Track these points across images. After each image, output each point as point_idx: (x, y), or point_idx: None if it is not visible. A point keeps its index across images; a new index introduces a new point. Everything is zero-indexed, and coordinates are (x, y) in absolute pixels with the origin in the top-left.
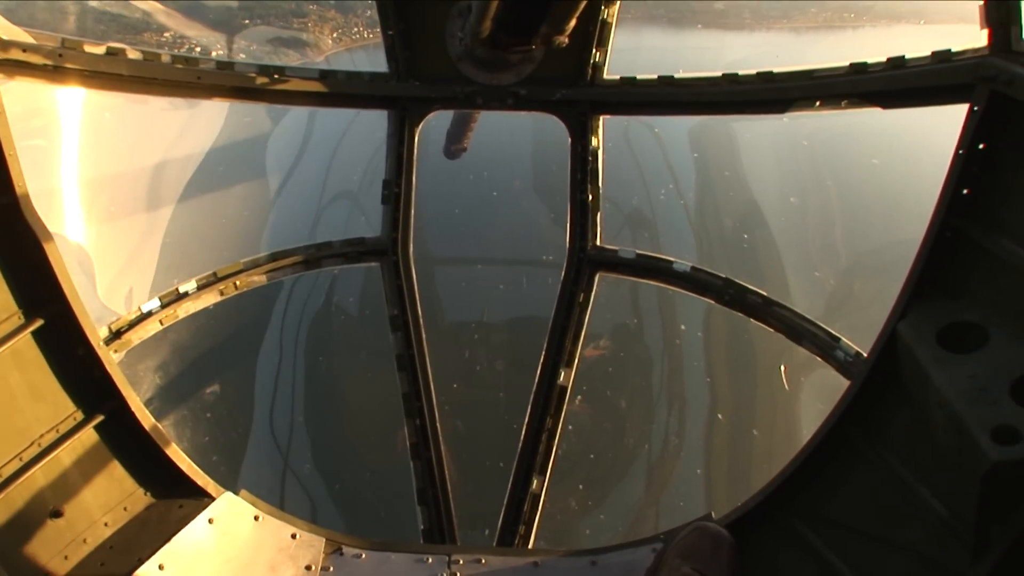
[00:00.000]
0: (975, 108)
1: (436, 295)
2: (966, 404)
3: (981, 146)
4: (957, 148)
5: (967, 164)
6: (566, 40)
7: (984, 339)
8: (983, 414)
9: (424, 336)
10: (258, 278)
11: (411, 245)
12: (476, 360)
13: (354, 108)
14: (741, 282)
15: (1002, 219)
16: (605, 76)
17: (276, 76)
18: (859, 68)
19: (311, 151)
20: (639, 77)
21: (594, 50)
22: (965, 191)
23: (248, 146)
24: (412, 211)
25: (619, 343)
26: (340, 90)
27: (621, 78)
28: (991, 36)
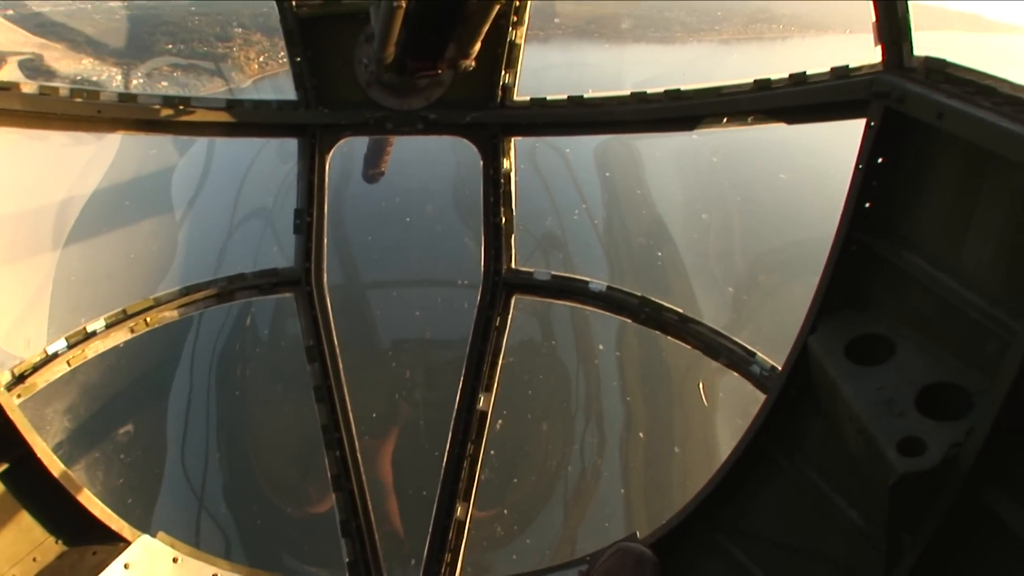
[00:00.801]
0: (871, 124)
1: (363, 318)
2: (874, 417)
3: (880, 160)
4: (857, 163)
5: (867, 178)
6: (473, 63)
7: (891, 350)
8: (890, 426)
9: (341, 366)
10: (169, 313)
11: (325, 274)
12: (396, 386)
13: (263, 137)
14: (656, 300)
15: (904, 232)
16: (515, 98)
17: (181, 108)
18: (763, 85)
19: (220, 181)
20: (549, 98)
21: (503, 72)
22: (867, 205)
23: (154, 179)
24: (325, 240)
25: (536, 364)
26: (248, 120)
27: (531, 99)
28: (884, 53)
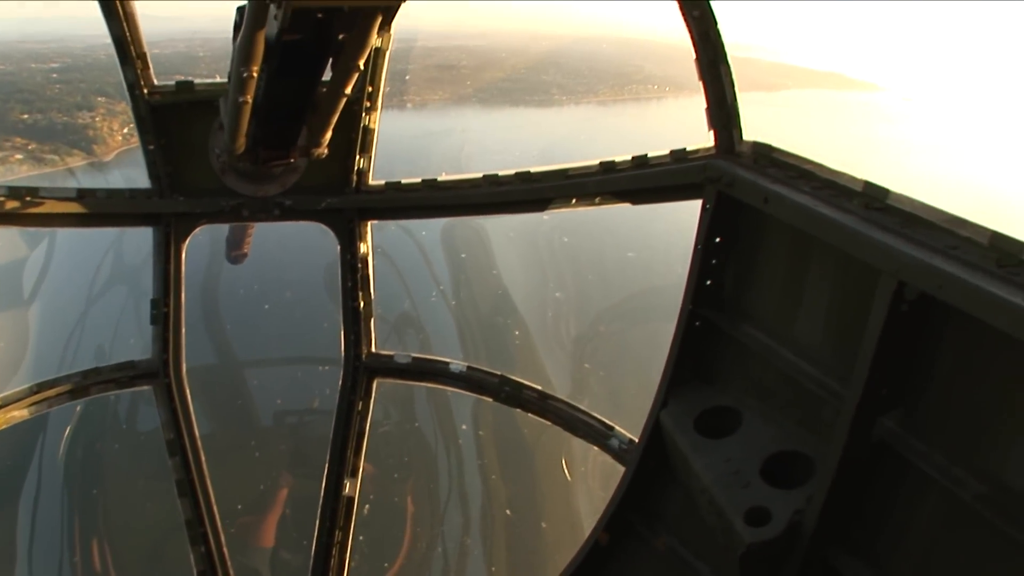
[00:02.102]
0: (707, 206)
1: (238, 397)
2: (722, 489)
3: (717, 240)
4: (696, 242)
5: (706, 257)
6: (325, 151)
7: (738, 421)
8: (737, 498)
9: (204, 458)
10: (20, 413)
11: (184, 365)
12: (272, 466)
13: (117, 227)
14: (515, 378)
15: (743, 307)
16: (370, 182)
17: (28, 199)
18: (608, 167)
19: (74, 270)
20: (404, 181)
21: (358, 156)
22: (708, 282)
23: (2, 272)
24: (183, 330)
25: (400, 447)
26: (100, 210)
27: (386, 183)
28: (716, 138)
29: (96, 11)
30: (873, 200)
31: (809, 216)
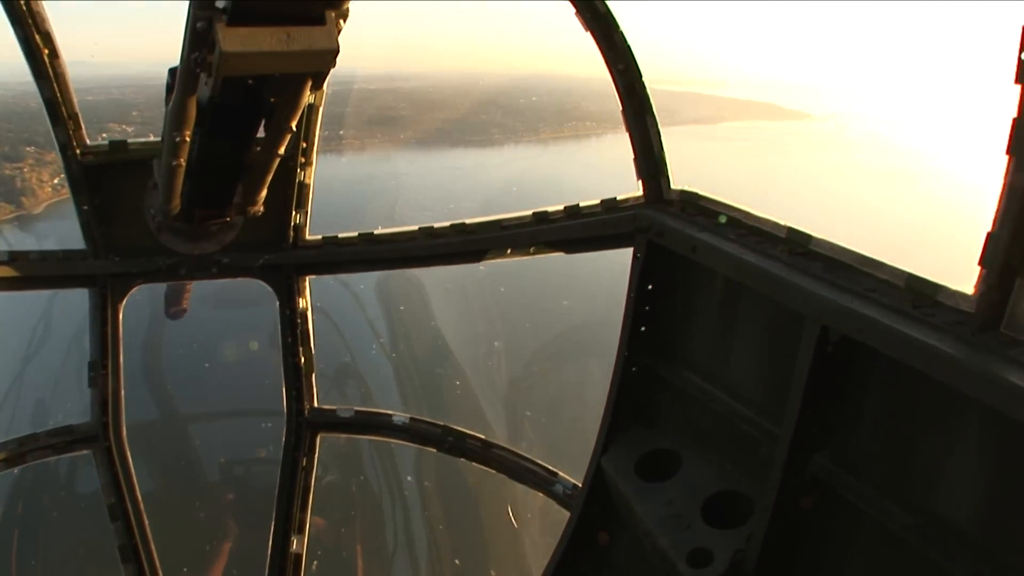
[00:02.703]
0: (638, 255)
1: (183, 453)
2: (665, 532)
3: (649, 287)
4: (629, 290)
5: (639, 304)
6: (261, 209)
7: (678, 464)
8: (679, 540)
9: (146, 521)
10: None
11: (123, 427)
12: (219, 521)
13: (50, 289)
14: (458, 428)
15: (679, 352)
16: (307, 237)
17: None
18: (541, 217)
19: (7, 331)
20: (341, 236)
21: (294, 212)
22: (643, 328)
23: None
24: (122, 392)
25: (347, 501)
26: (33, 272)
27: (323, 238)
28: (644, 187)
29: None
30: (796, 245)
31: (736, 264)
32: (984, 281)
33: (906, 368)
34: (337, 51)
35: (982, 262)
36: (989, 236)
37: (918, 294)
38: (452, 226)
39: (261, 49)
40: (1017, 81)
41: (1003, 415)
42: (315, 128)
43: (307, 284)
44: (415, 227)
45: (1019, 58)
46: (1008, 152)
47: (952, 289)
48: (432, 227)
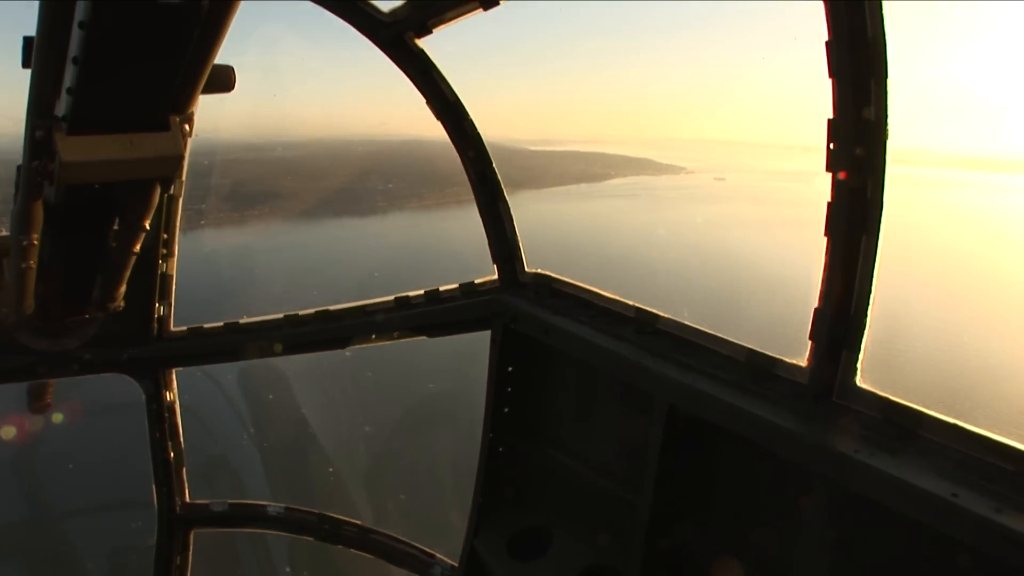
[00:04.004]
0: (495, 339)
1: (56, 552)
2: None
3: (510, 369)
4: (489, 373)
5: (500, 386)
6: (121, 303)
7: (549, 540)
8: None
9: None
10: None
11: None
12: None
13: None
14: (334, 515)
15: (542, 430)
16: (172, 328)
17: None
18: (403, 302)
19: None
20: (205, 326)
21: (157, 304)
22: (506, 410)
23: None
24: None
25: None
26: None
27: (188, 329)
28: (499, 272)
29: None
30: (645, 325)
31: (587, 347)
32: (814, 355)
33: (748, 442)
34: (182, 156)
35: (811, 336)
36: (816, 312)
37: (758, 368)
38: (317, 313)
39: (103, 158)
40: (828, 169)
41: (839, 484)
42: (175, 219)
43: (173, 377)
44: (280, 315)
45: (828, 147)
46: (826, 234)
47: (788, 362)
48: (297, 314)
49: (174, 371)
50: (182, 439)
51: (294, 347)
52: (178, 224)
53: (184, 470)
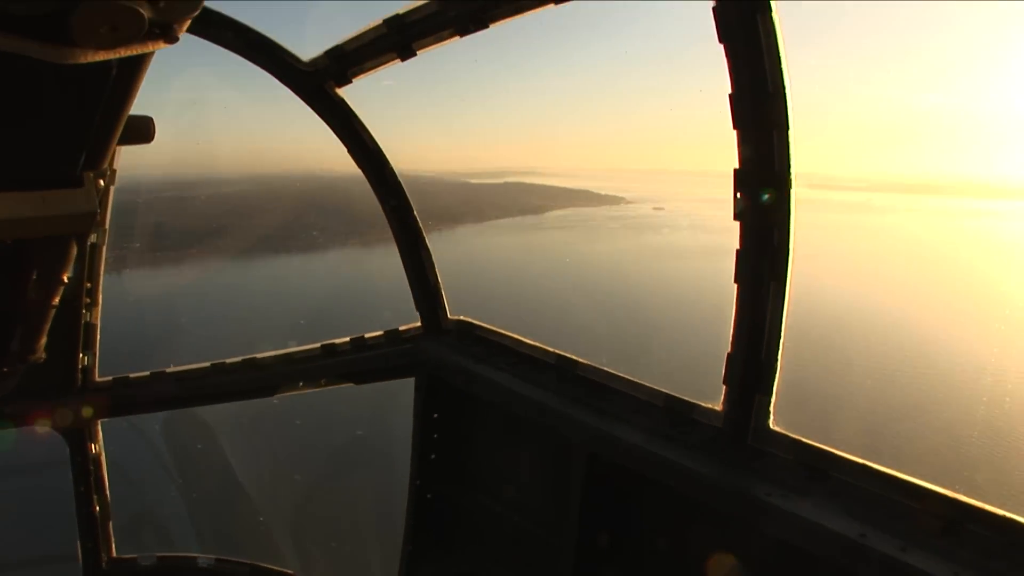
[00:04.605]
0: (419, 386)
1: None
2: None
3: (435, 415)
4: (415, 420)
5: (425, 433)
6: (43, 355)
7: None
8: None
9: None
10: None
11: None
12: None
13: None
14: (266, 565)
15: (469, 476)
16: (97, 378)
17: None
18: (329, 350)
19: None
20: (132, 376)
21: (81, 355)
22: (433, 456)
23: None
24: None
25: None
26: None
27: (114, 379)
28: (423, 319)
29: None
30: (565, 372)
31: (509, 395)
32: (728, 399)
33: (667, 487)
34: (96, 213)
35: (725, 381)
36: (728, 357)
37: (675, 413)
38: (244, 361)
39: (12, 216)
40: (736, 218)
41: (755, 527)
42: (99, 268)
43: (99, 428)
44: (207, 363)
45: (734, 197)
46: (735, 281)
47: (704, 406)
48: (224, 363)
49: (100, 422)
50: (108, 492)
51: (221, 396)
52: (102, 273)
53: (110, 524)
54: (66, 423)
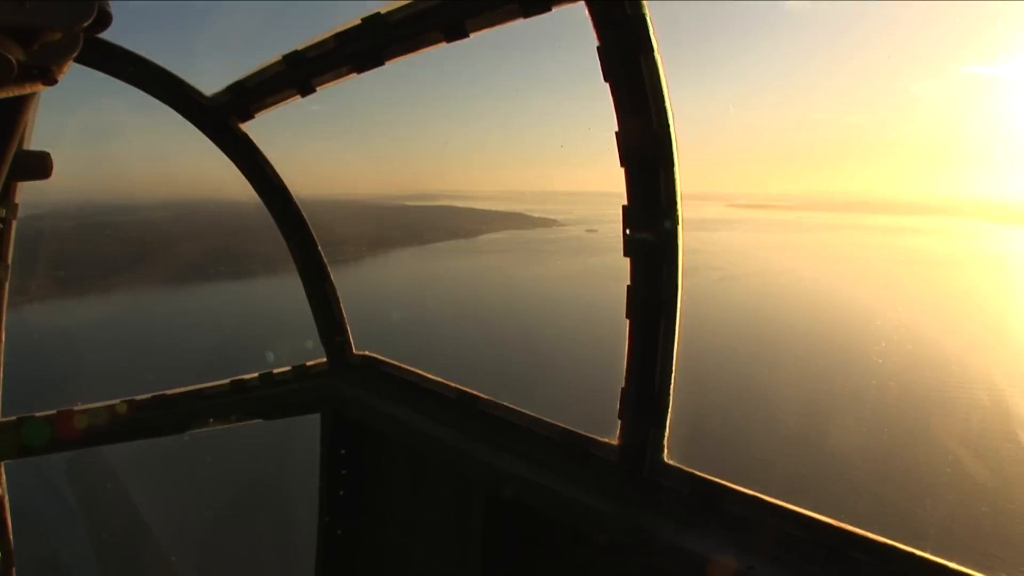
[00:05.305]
0: (325, 422)
1: None
2: None
3: (342, 451)
4: (322, 456)
5: (333, 469)
6: None
7: None
8: None
9: None
10: None
11: None
12: None
13: None
14: None
15: (377, 512)
16: (1, 418)
17: None
18: (239, 386)
19: None
20: (37, 415)
21: None
22: (341, 492)
23: None
24: None
25: None
26: None
27: (18, 418)
28: (328, 355)
29: None
30: (466, 407)
31: (412, 433)
32: (623, 433)
33: (565, 523)
34: None
35: (620, 415)
36: (622, 392)
37: (572, 448)
38: (154, 398)
39: None
40: (625, 254)
41: (650, 562)
42: (2, 305)
43: (2, 470)
44: (116, 401)
45: (624, 233)
46: (627, 316)
47: (601, 441)
48: (134, 399)
49: (3, 464)
50: (11, 536)
51: (131, 434)
52: (4, 310)
53: (13, 570)
54: None
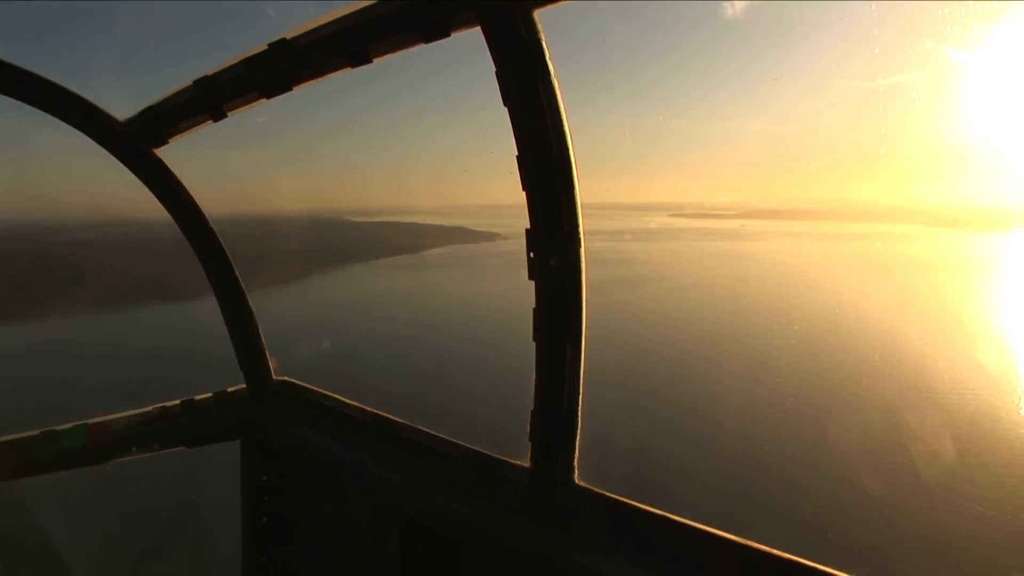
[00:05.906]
0: (245, 449)
1: None
2: None
3: (264, 478)
4: (242, 483)
5: (254, 496)
6: None
7: None
8: None
9: None
10: None
11: None
12: None
13: None
14: None
15: (301, 540)
16: None
17: None
18: (162, 413)
19: None
20: None
21: None
22: (265, 519)
23: None
24: None
25: None
26: None
27: None
28: (247, 381)
29: None
30: (382, 431)
31: (327, 457)
32: (534, 456)
33: (478, 548)
34: None
35: (530, 438)
36: (532, 414)
37: (485, 471)
38: (75, 428)
39: None
40: (530, 277)
41: None
42: None
43: None
44: (36, 431)
45: (528, 256)
46: (533, 339)
47: (514, 463)
48: (54, 430)
49: None
50: None
51: (50, 466)
52: None
53: None
54: None
